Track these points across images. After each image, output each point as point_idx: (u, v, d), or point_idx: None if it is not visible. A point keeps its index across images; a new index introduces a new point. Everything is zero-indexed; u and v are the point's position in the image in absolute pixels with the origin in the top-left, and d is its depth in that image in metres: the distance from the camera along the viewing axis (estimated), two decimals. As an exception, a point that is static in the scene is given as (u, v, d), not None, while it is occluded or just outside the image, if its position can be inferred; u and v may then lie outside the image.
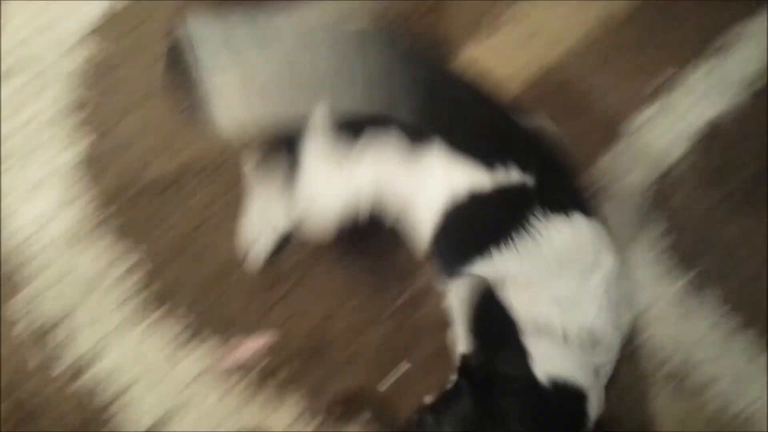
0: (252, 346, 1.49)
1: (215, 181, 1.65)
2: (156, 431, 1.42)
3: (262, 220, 1.52)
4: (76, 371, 1.46)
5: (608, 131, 1.70)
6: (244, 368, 1.48)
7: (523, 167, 1.21)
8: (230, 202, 1.62)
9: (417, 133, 1.25)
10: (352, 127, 1.28)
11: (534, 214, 1.19)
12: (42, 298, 1.51)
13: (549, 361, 1.04)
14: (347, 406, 1.44)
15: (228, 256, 1.57)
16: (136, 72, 1.77)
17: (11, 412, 1.42)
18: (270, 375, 1.47)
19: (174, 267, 1.56)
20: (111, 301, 1.52)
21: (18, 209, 1.59)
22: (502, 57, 1.77)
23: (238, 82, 1.27)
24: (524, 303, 1.14)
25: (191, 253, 1.58)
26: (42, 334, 1.48)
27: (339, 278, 1.56)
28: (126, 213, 1.61)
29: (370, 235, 1.48)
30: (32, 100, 1.72)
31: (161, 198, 1.63)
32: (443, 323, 1.28)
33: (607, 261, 1.18)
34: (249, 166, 1.51)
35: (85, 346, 1.48)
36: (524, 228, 1.19)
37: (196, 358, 1.48)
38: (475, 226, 1.26)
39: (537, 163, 1.23)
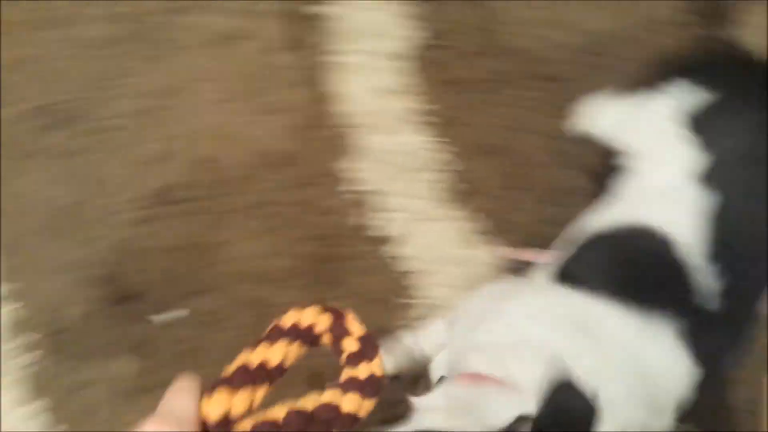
0: (525, 256, 1.59)
1: (532, 87, 1.73)
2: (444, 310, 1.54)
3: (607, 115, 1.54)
4: (384, 240, 1.62)
5: None
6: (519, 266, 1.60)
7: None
8: (539, 113, 1.70)
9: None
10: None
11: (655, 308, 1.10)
12: (366, 166, 1.67)
13: None
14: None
15: (531, 164, 1.67)
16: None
17: (328, 261, 1.60)
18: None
19: (479, 167, 1.67)
20: (422, 188, 1.66)
21: (350, 82, 1.73)
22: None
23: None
24: None
25: (498, 154, 1.68)
26: (361, 199, 1.65)
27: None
28: (447, 109, 1.72)
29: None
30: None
31: (481, 97, 1.72)
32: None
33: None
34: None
35: (394, 221, 1.63)
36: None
37: (485, 258, 1.61)
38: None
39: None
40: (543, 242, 1.57)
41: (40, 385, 1.50)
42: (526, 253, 1.59)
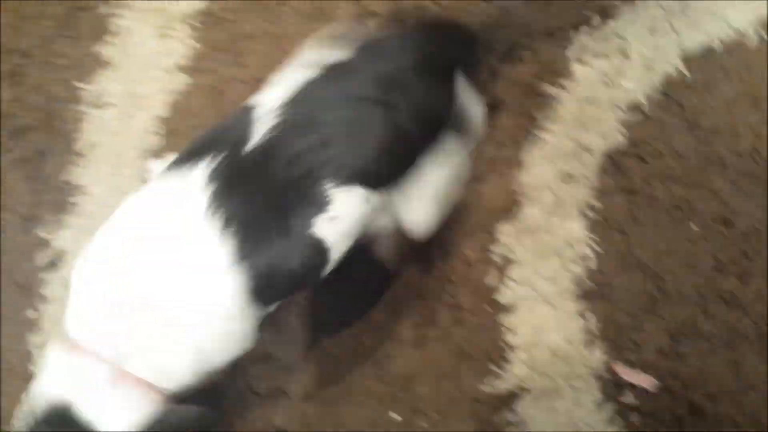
0: (633, 378, 1.58)
1: (709, 228, 1.72)
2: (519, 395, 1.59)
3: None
4: (501, 306, 1.66)
5: None
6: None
7: None
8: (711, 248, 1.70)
9: None
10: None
11: None
12: (514, 237, 1.71)
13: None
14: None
15: (675, 298, 1.65)
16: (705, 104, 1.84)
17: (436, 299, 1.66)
18: (629, 413, 1.58)
19: (625, 276, 1.68)
20: (555, 271, 1.68)
21: (542, 162, 1.78)
22: None
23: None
24: None
25: (648, 274, 1.68)
26: (501, 262, 1.69)
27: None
28: (612, 212, 1.73)
29: None
30: (615, 84, 1.86)
31: (652, 217, 1.73)
32: None
33: None
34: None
35: (516, 293, 1.66)
36: None
37: (588, 359, 1.61)
38: None
39: None
40: (654, 373, 1.59)
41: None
42: (636, 376, 1.57)
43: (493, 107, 1.78)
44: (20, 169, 1.78)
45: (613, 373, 1.58)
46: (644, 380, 1.56)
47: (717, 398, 1.56)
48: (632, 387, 1.57)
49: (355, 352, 1.61)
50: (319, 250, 1.20)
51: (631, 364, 1.59)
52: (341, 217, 1.19)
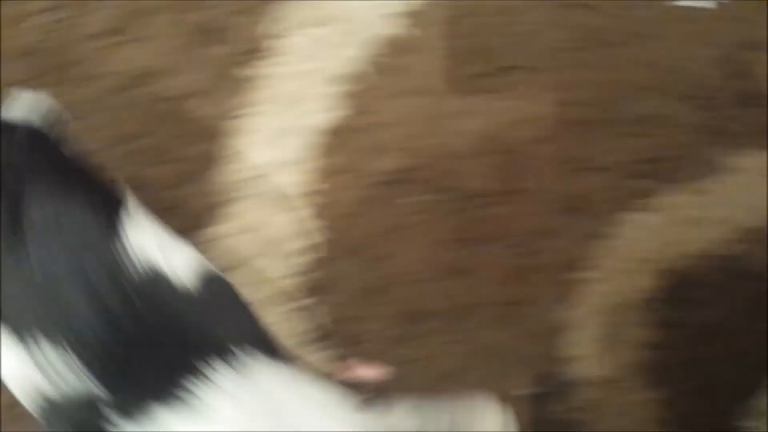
0: (363, 373, 1.49)
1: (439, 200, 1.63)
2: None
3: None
4: None
5: None
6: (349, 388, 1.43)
7: None
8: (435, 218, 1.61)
9: None
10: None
11: None
12: (226, 240, 1.58)
13: None
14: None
15: (401, 278, 1.56)
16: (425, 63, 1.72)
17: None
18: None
19: (345, 264, 1.57)
20: (275, 270, 1.56)
21: (251, 151, 1.64)
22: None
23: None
24: None
25: (369, 258, 1.58)
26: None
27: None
28: (334, 195, 1.62)
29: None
30: (323, 55, 1.72)
31: (377, 194, 1.63)
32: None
33: None
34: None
35: None
36: None
37: (312, 360, 1.51)
38: None
39: None
40: (388, 360, 1.49)
41: None
42: (366, 369, 1.48)
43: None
44: None
45: (343, 370, 1.48)
46: (376, 371, 1.47)
47: (454, 376, 1.49)
48: (365, 382, 1.47)
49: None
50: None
51: (362, 357, 1.49)
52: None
